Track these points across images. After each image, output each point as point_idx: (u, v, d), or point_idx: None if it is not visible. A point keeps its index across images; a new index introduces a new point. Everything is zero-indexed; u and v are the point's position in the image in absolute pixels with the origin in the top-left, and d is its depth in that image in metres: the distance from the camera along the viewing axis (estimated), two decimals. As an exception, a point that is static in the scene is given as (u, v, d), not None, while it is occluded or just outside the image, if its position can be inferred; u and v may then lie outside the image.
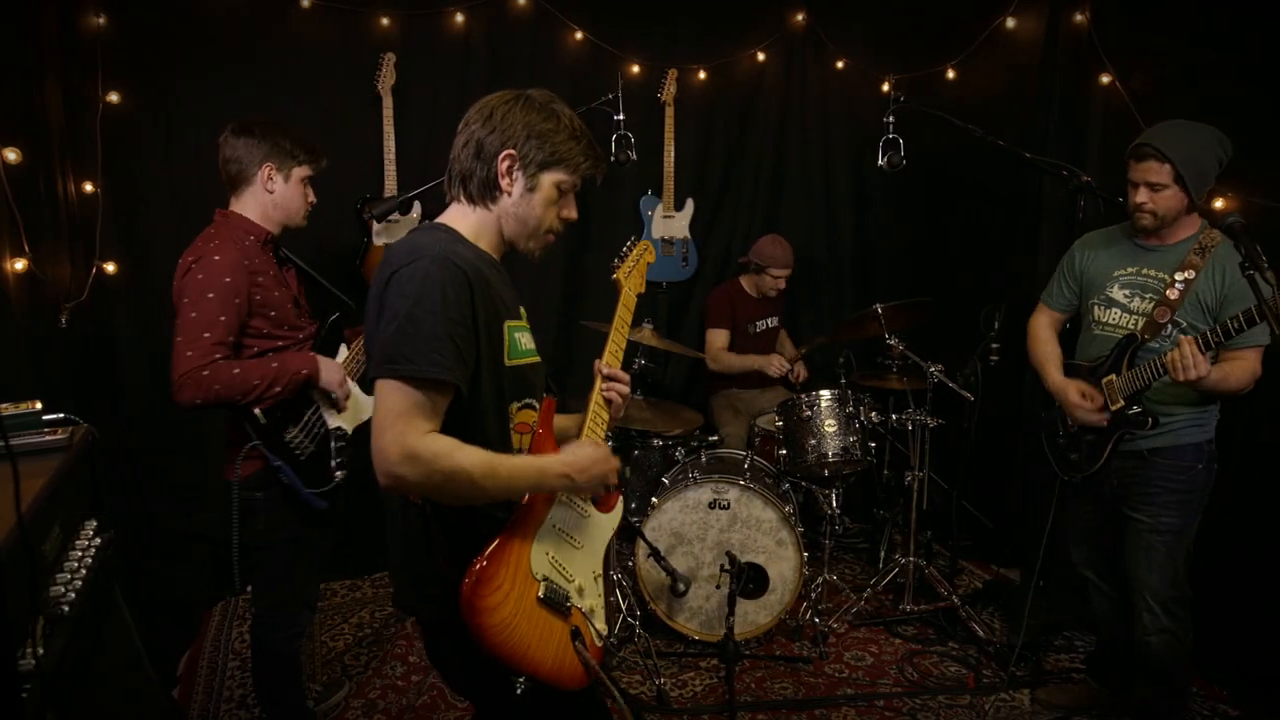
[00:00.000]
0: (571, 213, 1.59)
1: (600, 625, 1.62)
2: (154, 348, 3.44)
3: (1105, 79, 3.44)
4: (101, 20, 3.24)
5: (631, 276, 1.94)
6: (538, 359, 1.62)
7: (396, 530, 1.51)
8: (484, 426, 1.47)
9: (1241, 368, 2.33)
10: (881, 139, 3.69)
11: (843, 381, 3.48)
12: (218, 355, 2.07)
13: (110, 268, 3.26)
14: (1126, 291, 2.53)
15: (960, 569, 3.94)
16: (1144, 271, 2.49)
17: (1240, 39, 3.01)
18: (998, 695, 2.96)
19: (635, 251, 2.00)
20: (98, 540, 1.65)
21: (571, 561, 1.58)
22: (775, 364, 3.96)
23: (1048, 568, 3.44)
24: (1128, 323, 2.52)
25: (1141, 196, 2.40)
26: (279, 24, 3.59)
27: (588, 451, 1.52)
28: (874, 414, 3.44)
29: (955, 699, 2.94)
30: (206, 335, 2.06)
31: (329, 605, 3.63)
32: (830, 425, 3.36)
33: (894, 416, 3.49)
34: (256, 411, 2.15)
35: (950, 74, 4.27)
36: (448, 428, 1.40)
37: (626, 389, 1.71)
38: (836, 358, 3.62)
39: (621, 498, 1.77)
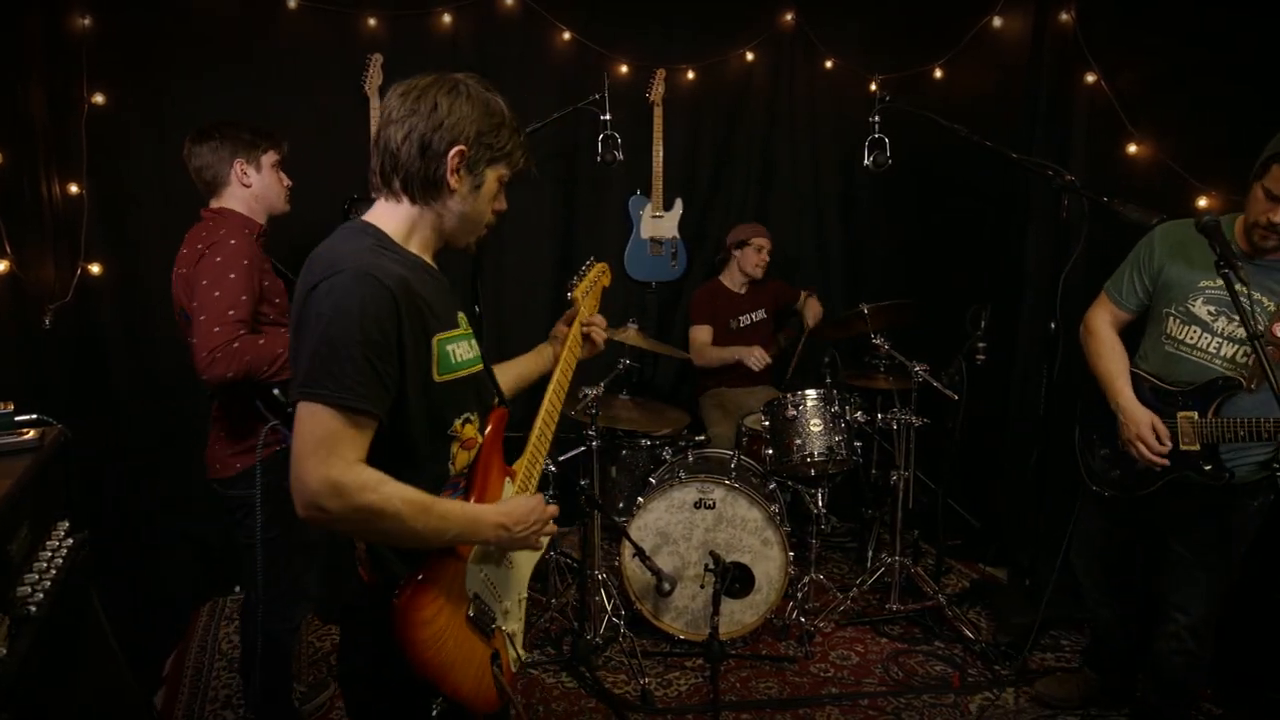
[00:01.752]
0: (503, 204, 1.52)
1: (519, 649, 1.59)
2: (141, 348, 3.46)
3: (1090, 78, 3.44)
4: (87, 21, 3.25)
5: (588, 297, 1.91)
6: (478, 367, 1.53)
7: (325, 539, 1.48)
8: (414, 448, 1.38)
9: None
10: (867, 139, 3.70)
11: (828, 381, 3.48)
12: (242, 330, 2.12)
13: (95, 269, 3.26)
14: (1212, 309, 2.20)
15: (948, 568, 3.94)
16: (1249, 294, 2.11)
17: (1225, 38, 3.01)
18: (983, 694, 2.96)
19: (593, 273, 1.97)
20: (70, 541, 1.64)
21: (503, 582, 1.55)
22: (755, 355, 3.92)
23: (1034, 566, 3.46)
24: (1210, 346, 2.20)
25: None
26: (266, 25, 3.60)
27: (524, 504, 1.47)
28: (860, 414, 3.44)
29: (940, 698, 2.94)
30: (231, 312, 2.11)
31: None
32: (816, 425, 3.36)
33: (880, 416, 3.49)
34: (275, 392, 2.19)
35: (938, 73, 4.27)
36: (376, 451, 1.32)
37: (604, 329, 1.85)
38: (822, 357, 3.62)
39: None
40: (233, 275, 2.14)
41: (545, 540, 1.53)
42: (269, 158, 2.39)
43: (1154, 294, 2.39)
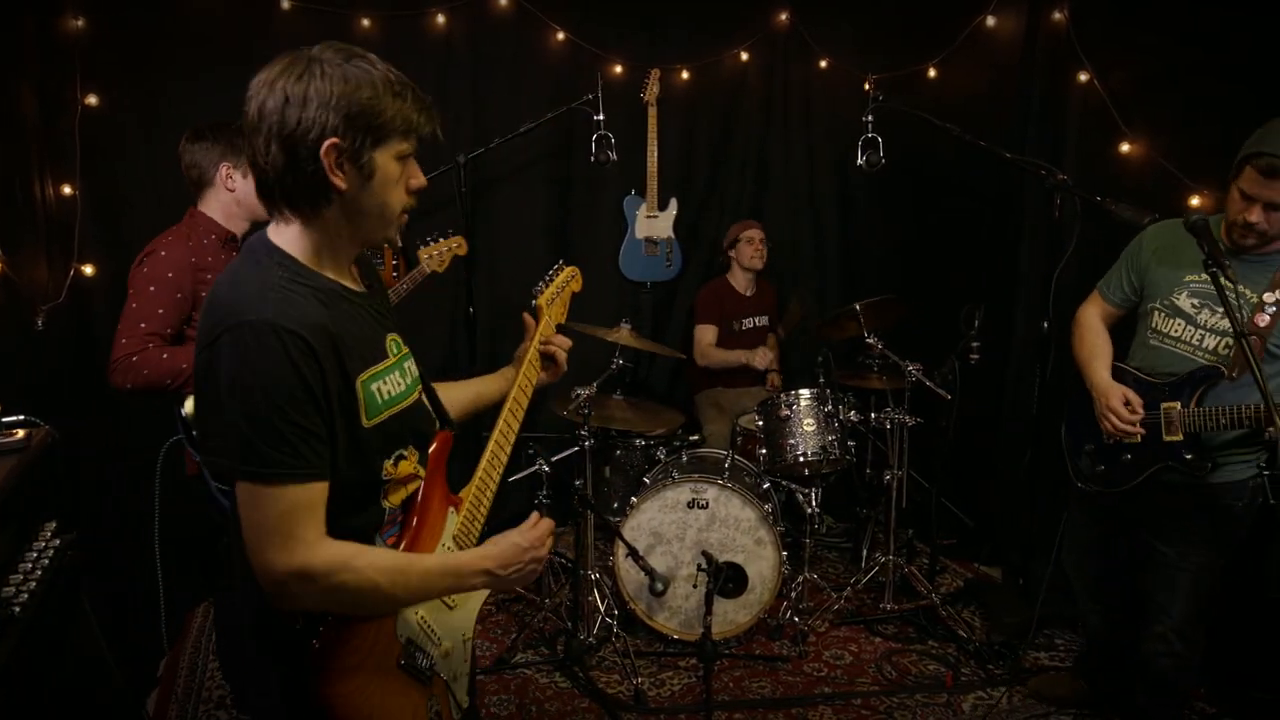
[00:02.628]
0: (420, 180, 1.29)
1: (461, 695, 1.45)
2: (134, 349, 3.46)
3: (1083, 77, 3.44)
4: (80, 23, 3.25)
5: (555, 304, 1.77)
6: (414, 397, 1.37)
7: (239, 574, 1.26)
8: (345, 494, 1.23)
9: None
10: (860, 138, 3.70)
11: (821, 381, 3.48)
12: (149, 344, 2.15)
13: (89, 269, 3.27)
14: (1195, 302, 2.24)
15: (942, 567, 3.93)
16: (1236, 288, 2.14)
17: (1218, 37, 3.01)
18: (976, 694, 2.96)
19: (561, 277, 1.82)
20: (57, 541, 1.65)
21: (443, 623, 1.41)
22: (760, 356, 3.97)
23: (1028, 565, 3.46)
24: (1194, 339, 2.25)
25: (1256, 216, 2.07)
26: (260, 26, 3.59)
27: (510, 544, 1.34)
28: (853, 413, 3.44)
29: (933, 697, 2.94)
30: (142, 325, 2.14)
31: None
32: (809, 424, 3.36)
33: (874, 416, 3.49)
34: (186, 408, 2.19)
35: (932, 73, 4.27)
36: None
37: (566, 345, 1.70)
38: (816, 357, 3.62)
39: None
40: (153, 288, 2.18)
41: (540, 565, 1.40)
42: None
43: (1141, 291, 2.42)
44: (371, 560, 1.20)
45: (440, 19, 3.85)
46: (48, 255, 3.10)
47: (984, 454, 3.99)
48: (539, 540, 1.38)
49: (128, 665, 3.06)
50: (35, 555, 1.55)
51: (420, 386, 1.41)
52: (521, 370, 1.61)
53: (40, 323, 2.96)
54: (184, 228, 2.33)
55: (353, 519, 1.25)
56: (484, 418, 1.67)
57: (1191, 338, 2.26)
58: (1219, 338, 2.20)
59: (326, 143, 1.16)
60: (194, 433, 2.08)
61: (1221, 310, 2.05)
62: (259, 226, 2.41)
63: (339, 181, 1.19)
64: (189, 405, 2.11)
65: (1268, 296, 2.12)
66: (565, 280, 1.82)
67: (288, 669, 1.21)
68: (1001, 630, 3.25)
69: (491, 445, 1.50)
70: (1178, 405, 2.24)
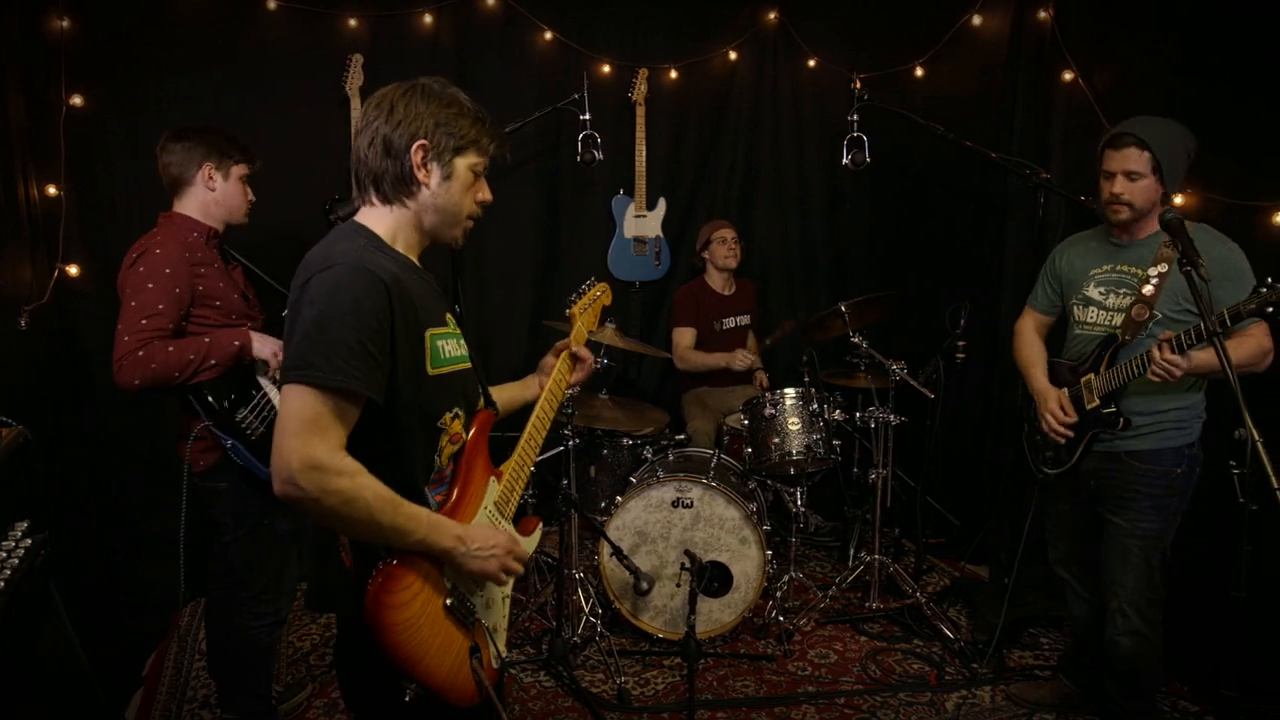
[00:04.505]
0: (486, 195, 1.56)
1: (501, 646, 1.60)
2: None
3: (1068, 76, 3.44)
4: (65, 23, 3.25)
5: (586, 314, 1.98)
6: (467, 365, 1.58)
7: (311, 525, 1.48)
8: (409, 439, 1.42)
9: (1247, 346, 2.23)
10: (845, 137, 3.70)
11: (806, 380, 3.48)
12: (154, 339, 2.15)
13: (73, 270, 3.27)
14: (1102, 289, 2.50)
15: (930, 566, 3.94)
16: (1119, 268, 2.46)
17: (1203, 37, 3.00)
18: (959, 692, 2.96)
19: (592, 292, 2.06)
20: (28, 541, 1.65)
21: None
22: (739, 358, 3.94)
23: (1014, 564, 3.45)
24: (1106, 320, 2.49)
25: (1119, 186, 2.37)
26: (246, 26, 3.60)
27: (489, 531, 1.49)
28: (838, 412, 3.44)
29: (916, 696, 2.94)
30: (144, 321, 2.15)
31: (299, 605, 3.62)
32: (794, 424, 3.36)
33: (858, 415, 3.49)
34: (209, 397, 2.23)
35: (919, 71, 4.27)
36: (370, 442, 1.36)
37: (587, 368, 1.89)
38: (801, 356, 3.62)
39: (541, 523, 1.77)
40: (150, 285, 2.19)
41: (504, 574, 1.51)
42: (239, 169, 2.44)
43: (1061, 294, 2.67)
44: (371, 482, 1.32)
45: (427, 19, 3.86)
46: (32, 256, 3.10)
47: (971, 452, 3.99)
48: (507, 540, 1.51)
49: (113, 664, 3.09)
50: (4, 555, 1.55)
51: (470, 361, 1.60)
52: (550, 379, 1.81)
53: (24, 323, 2.96)
54: (169, 228, 2.35)
55: (411, 465, 1.42)
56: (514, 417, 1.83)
57: (1104, 320, 2.50)
58: (1123, 314, 2.44)
59: (417, 144, 1.44)
60: (222, 418, 2.22)
61: (1124, 290, 2.42)
62: (232, 228, 2.46)
63: (422, 176, 1.46)
64: (210, 397, 2.20)
65: (1151, 270, 2.38)
66: (596, 295, 2.04)
67: (355, 609, 1.35)
68: (985, 629, 3.24)
69: (529, 428, 1.70)
70: (1091, 375, 2.48)
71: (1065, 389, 2.58)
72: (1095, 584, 2.65)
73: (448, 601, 1.45)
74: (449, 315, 1.56)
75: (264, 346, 2.36)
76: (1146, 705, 2.58)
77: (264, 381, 2.40)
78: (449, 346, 1.51)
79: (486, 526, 1.52)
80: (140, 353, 2.12)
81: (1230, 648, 1.91)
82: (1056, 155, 3.51)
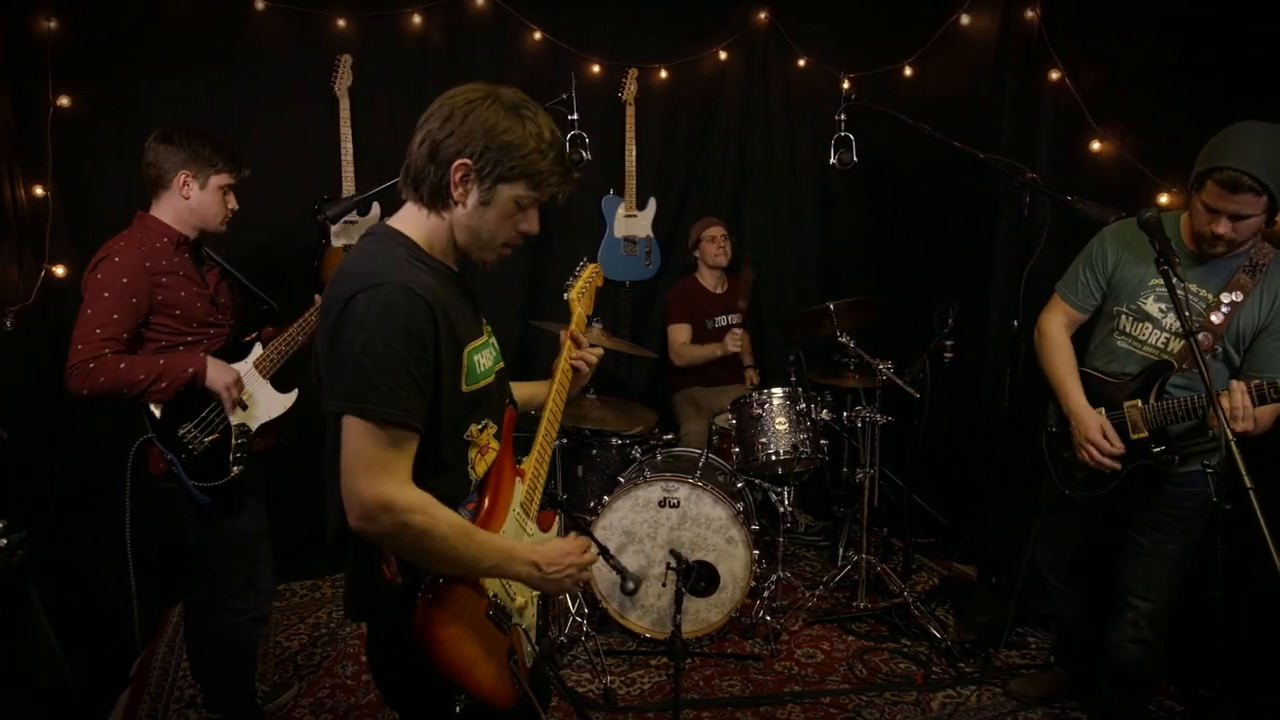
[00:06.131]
0: (532, 227, 1.47)
1: (533, 643, 1.62)
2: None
3: (1055, 75, 3.45)
4: (53, 24, 3.25)
5: (584, 298, 1.95)
6: (495, 373, 1.54)
7: (351, 538, 1.41)
8: (439, 455, 1.40)
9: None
10: (833, 137, 3.70)
11: (792, 379, 3.48)
12: (106, 350, 2.15)
13: (59, 270, 3.27)
14: (1163, 307, 2.24)
15: (919, 565, 3.94)
16: (1186, 286, 2.14)
17: (1187, 36, 3.01)
18: (945, 692, 2.96)
19: (586, 273, 2.01)
20: (3, 541, 1.65)
21: (519, 585, 1.57)
22: (731, 339, 3.92)
23: (1002, 564, 3.46)
24: (1159, 341, 2.26)
25: (1223, 228, 2.07)
26: (234, 26, 3.60)
27: (559, 547, 1.49)
28: (825, 411, 3.44)
29: (902, 695, 2.94)
30: (98, 331, 2.15)
31: (287, 606, 3.63)
32: (781, 423, 3.36)
33: (845, 414, 3.49)
34: (153, 407, 2.24)
35: (908, 71, 4.28)
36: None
37: (594, 358, 1.79)
38: (788, 356, 3.62)
39: (559, 517, 1.78)
40: (107, 294, 2.18)
41: (578, 583, 1.52)
42: (219, 179, 2.39)
43: (1106, 293, 2.42)
44: (445, 513, 1.34)
45: (416, 19, 3.86)
46: (18, 256, 3.10)
47: (959, 451, 3.99)
48: (580, 548, 1.52)
49: (100, 666, 3.09)
50: (-21, 555, 1.55)
51: (501, 362, 1.58)
52: (556, 376, 1.76)
53: (9, 324, 2.96)
54: (135, 232, 2.34)
55: (444, 485, 1.39)
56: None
57: (1157, 340, 2.28)
58: (1182, 340, 2.21)
59: (458, 160, 1.36)
60: (164, 431, 2.12)
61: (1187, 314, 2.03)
62: (207, 236, 2.45)
63: (459, 196, 1.39)
64: (155, 408, 2.18)
65: (1224, 296, 2.15)
66: (590, 276, 1.99)
67: (403, 623, 1.35)
68: (972, 628, 3.25)
69: (544, 424, 1.68)
70: (1139, 402, 2.28)
71: (1102, 409, 2.34)
72: (1087, 586, 2.64)
73: (489, 611, 1.46)
74: (485, 322, 1.54)
75: (218, 376, 2.31)
76: (1140, 707, 2.59)
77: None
78: (484, 359, 1.49)
79: (556, 540, 1.53)
80: (91, 365, 2.12)
81: (1208, 647, 1.91)
82: (1044, 154, 3.52)
